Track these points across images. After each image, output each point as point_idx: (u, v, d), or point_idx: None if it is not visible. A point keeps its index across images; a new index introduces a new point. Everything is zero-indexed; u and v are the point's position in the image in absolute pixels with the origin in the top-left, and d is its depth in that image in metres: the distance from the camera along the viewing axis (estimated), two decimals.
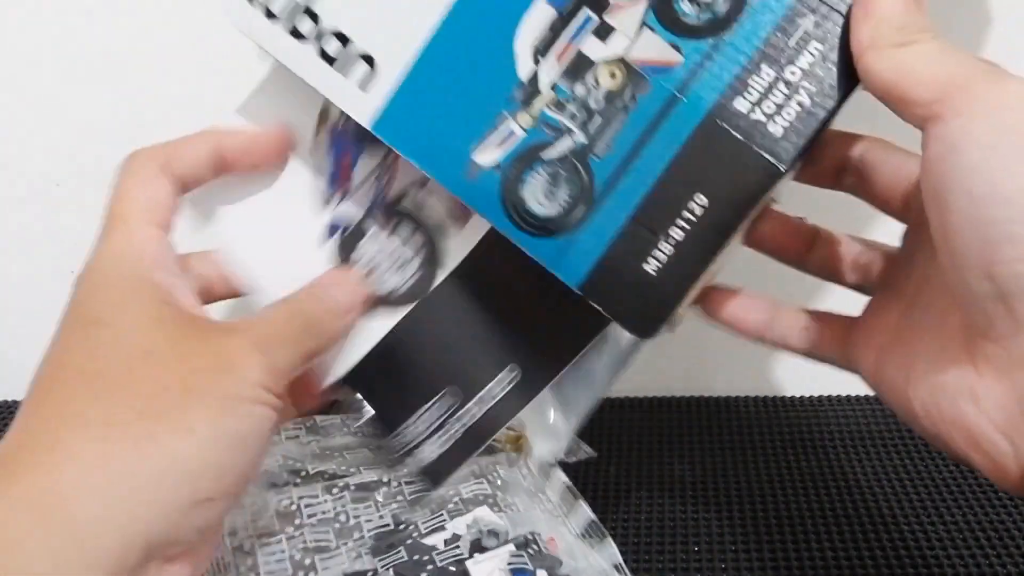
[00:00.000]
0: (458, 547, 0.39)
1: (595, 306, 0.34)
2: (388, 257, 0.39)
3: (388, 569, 0.38)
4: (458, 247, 0.38)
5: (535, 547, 0.39)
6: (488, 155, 0.34)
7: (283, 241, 0.39)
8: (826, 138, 0.36)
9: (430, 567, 0.38)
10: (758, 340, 0.39)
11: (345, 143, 0.39)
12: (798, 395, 0.62)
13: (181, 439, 0.31)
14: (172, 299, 0.34)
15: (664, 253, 0.33)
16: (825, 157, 0.36)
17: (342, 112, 0.37)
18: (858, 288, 0.38)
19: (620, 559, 0.41)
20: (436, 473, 0.38)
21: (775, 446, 0.56)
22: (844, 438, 0.56)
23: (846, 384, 0.62)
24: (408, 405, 0.38)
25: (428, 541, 0.39)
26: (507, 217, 0.34)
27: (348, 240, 0.39)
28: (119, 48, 0.57)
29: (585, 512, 0.43)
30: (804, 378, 0.62)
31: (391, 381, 0.39)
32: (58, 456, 0.29)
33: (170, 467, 0.30)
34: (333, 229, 0.39)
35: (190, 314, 0.34)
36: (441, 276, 0.38)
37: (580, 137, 0.33)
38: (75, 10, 0.56)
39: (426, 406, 0.38)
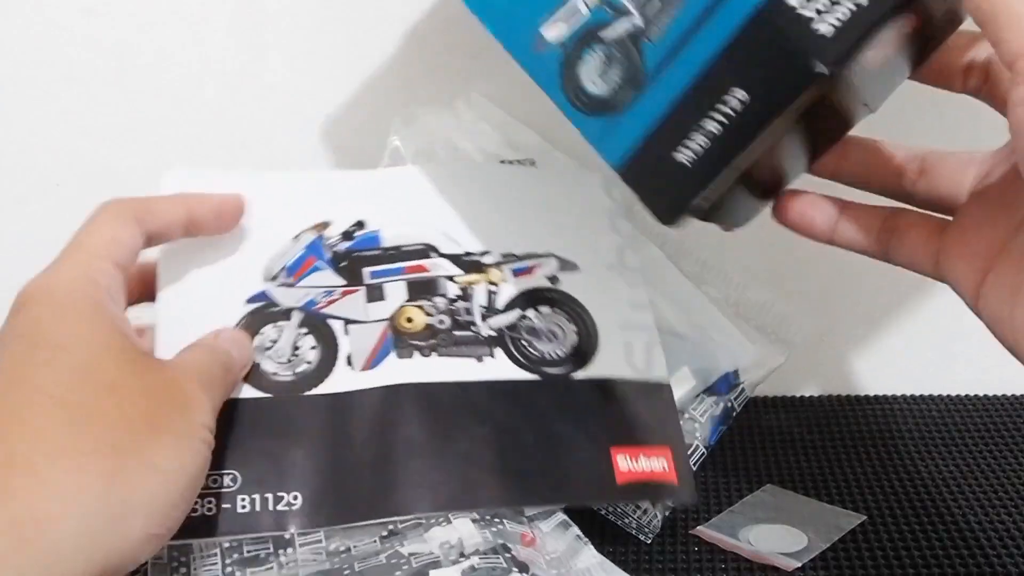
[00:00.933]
0: (432, 552, 0.39)
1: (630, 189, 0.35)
2: (282, 349, 0.42)
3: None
4: (344, 381, 0.41)
5: (507, 554, 0.38)
6: (555, 30, 0.35)
7: (218, 281, 0.43)
8: (952, 42, 0.34)
9: (405, 567, 0.38)
10: (829, 242, 0.37)
11: (319, 252, 0.44)
12: (797, 395, 0.62)
13: (148, 476, 0.32)
14: (124, 330, 0.36)
15: (697, 144, 0.33)
16: (951, 57, 0.35)
17: (337, 234, 0.44)
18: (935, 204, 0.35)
19: (579, 532, 0.42)
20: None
21: (775, 446, 0.56)
22: (844, 438, 0.56)
23: (844, 385, 0.62)
24: None
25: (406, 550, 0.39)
26: (563, 93, 0.36)
27: (263, 314, 0.42)
28: (119, 48, 0.57)
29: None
30: (802, 378, 0.62)
31: None
32: (35, 482, 0.30)
33: (136, 502, 0.32)
34: (259, 297, 0.43)
35: (140, 347, 0.36)
36: (312, 391, 0.41)
37: (637, 19, 0.34)
38: (75, 10, 0.56)
39: (221, 466, 0.39)
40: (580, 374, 0.44)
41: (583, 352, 0.44)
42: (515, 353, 0.44)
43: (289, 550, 0.39)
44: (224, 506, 0.38)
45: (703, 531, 0.47)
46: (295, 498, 0.39)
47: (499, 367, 0.43)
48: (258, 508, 0.38)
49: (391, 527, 0.39)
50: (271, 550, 0.39)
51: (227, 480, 0.39)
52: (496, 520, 0.40)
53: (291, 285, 0.43)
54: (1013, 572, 0.44)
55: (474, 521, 0.40)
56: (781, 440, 0.56)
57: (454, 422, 0.41)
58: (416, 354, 0.43)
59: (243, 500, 0.38)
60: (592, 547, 0.41)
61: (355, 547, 0.39)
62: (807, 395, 0.62)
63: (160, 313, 0.42)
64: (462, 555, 0.38)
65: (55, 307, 0.34)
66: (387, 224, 0.45)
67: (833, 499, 0.50)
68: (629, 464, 0.41)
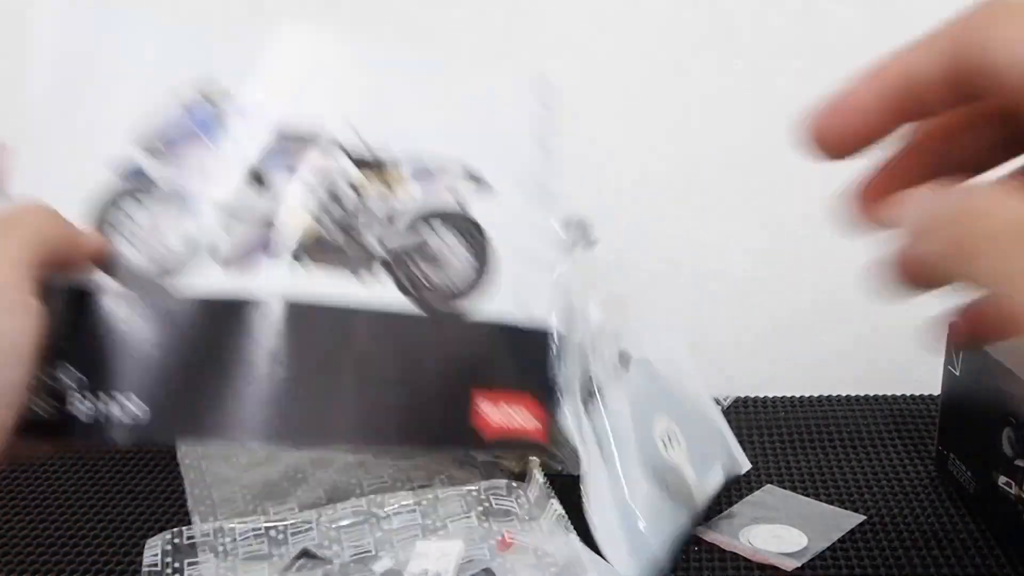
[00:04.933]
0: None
1: None
2: (144, 231, 0.38)
3: None
4: (207, 277, 0.38)
5: None
6: None
7: (85, 135, 0.39)
8: None
9: None
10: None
11: (205, 124, 0.40)
12: (797, 395, 0.62)
13: None
14: None
15: None
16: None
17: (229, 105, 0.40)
18: None
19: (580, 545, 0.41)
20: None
21: (774, 445, 0.56)
22: (843, 437, 0.56)
23: (844, 385, 0.62)
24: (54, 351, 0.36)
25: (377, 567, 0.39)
26: None
27: (129, 188, 0.39)
28: None
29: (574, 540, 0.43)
30: (802, 379, 0.62)
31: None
32: None
33: None
34: (128, 168, 0.39)
35: None
36: (175, 289, 0.38)
37: None
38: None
39: (60, 361, 0.36)
40: (462, 311, 0.41)
41: (475, 287, 0.41)
42: (403, 280, 0.41)
43: (283, 548, 0.39)
44: (67, 408, 0.35)
45: (703, 531, 0.47)
46: (144, 412, 0.36)
47: (380, 291, 0.40)
48: (103, 414, 0.36)
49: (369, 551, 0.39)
50: (266, 551, 0.39)
51: (68, 380, 0.36)
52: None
53: (167, 159, 0.39)
54: (1011, 573, 0.44)
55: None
56: (781, 440, 0.56)
57: (318, 348, 0.38)
58: (288, 256, 0.39)
59: (86, 405, 0.36)
60: (586, 547, 0.41)
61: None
62: (807, 395, 0.62)
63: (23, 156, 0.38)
64: None
65: None
66: (284, 101, 0.41)
67: (833, 499, 0.50)
68: (489, 409, 0.39)
